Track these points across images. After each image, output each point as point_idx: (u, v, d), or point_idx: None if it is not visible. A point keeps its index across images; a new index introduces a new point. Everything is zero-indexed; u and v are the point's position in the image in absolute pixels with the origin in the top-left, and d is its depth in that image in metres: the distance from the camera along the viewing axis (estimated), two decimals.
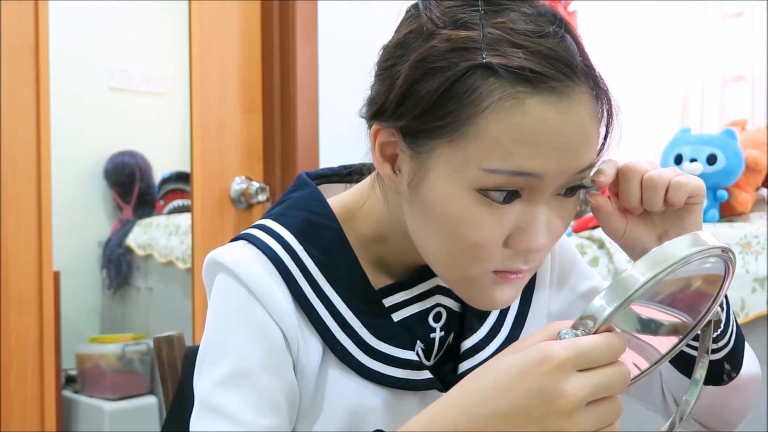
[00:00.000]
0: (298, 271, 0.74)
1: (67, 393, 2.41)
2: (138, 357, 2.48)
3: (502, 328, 0.82)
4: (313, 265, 0.75)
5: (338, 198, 0.80)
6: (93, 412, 2.39)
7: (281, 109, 1.97)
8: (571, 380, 0.55)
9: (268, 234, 0.75)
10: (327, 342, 0.74)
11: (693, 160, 1.58)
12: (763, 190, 1.73)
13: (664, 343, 0.73)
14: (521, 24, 0.66)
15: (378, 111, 0.70)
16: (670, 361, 0.75)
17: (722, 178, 1.58)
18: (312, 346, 0.74)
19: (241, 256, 0.74)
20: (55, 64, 1.71)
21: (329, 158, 1.95)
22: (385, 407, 0.75)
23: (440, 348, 0.80)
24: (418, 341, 0.78)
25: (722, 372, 0.81)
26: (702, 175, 1.57)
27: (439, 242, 0.69)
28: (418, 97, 0.66)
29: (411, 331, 0.78)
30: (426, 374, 0.77)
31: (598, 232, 1.61)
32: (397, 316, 0.77)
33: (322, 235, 0.76)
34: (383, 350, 0.75)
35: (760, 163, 1.63)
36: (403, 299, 0.78)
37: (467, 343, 0.80)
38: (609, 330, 0.59)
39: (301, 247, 0.75)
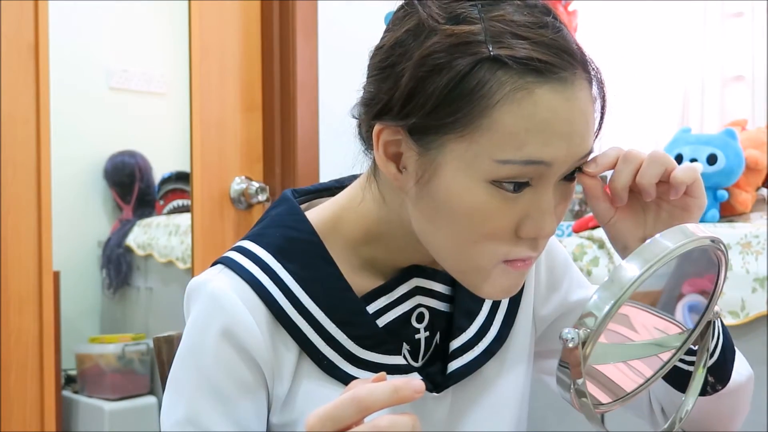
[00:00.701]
0: (278, 290, 0.74)
1: (66, 393, 2.42)
2: (138, 357, 2.48)
3: (491, 328, 0.83)
4: (293, 281, 0.74)
5: (324, 206, 0.80)
6: (93, 412, 2.38)
7: (281, 109, 1.97)
8: None
9: (245, 256, 0.75)
10: (313, 358, 0.74)
11: (693, 160, 1.57)
12: (764, 190, 1.73)
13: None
14: (519, 16, 0.66)
15: (382, 110, 0.70)
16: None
17: (722, 178, 1.58)
18: (287, 365, 0.75)
19: (219, 284, 0.74)
20: (55, 64, 1.71)
21: (329, 158, 1.95)
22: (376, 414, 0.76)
23: (427, 348, 0.80)
24: (404, 344, 0.79)
25: (706, 384, 0.80)
26: (702, 175, 1.56)
27: (451, 236, 0.69)
28: (426, 95, 0.66)
29: (396, 335, 0.78)
30: (415, 377, 0.76)
31: (598, 232, 1.61)
32: (381, 321, 0.77)
33: (301, 251, 0.76)
34: (371, 359, 0.76)
35: (761, 163, 1.63)
36: (385, 303, 0.78)
37: (456, 343, 0.80)
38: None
39: (279, 266, 0.75)
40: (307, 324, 0.74)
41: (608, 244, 1.57)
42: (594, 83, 0.70)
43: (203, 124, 1.90)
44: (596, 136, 0.72)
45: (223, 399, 0.73)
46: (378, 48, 0.72)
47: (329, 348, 0.75)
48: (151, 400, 2.47)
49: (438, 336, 0.81)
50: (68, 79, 2.25)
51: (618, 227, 0.76)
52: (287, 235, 0.77)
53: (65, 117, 2.09)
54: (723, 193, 1.59)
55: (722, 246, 0.65)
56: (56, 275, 1.77)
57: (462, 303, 0.81)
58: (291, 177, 1.94)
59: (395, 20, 0.72)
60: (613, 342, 0.66)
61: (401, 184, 0.71)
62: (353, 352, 0.75)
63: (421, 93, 0.66)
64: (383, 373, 0.60)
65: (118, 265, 2.55)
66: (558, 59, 0.65)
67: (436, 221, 0.70)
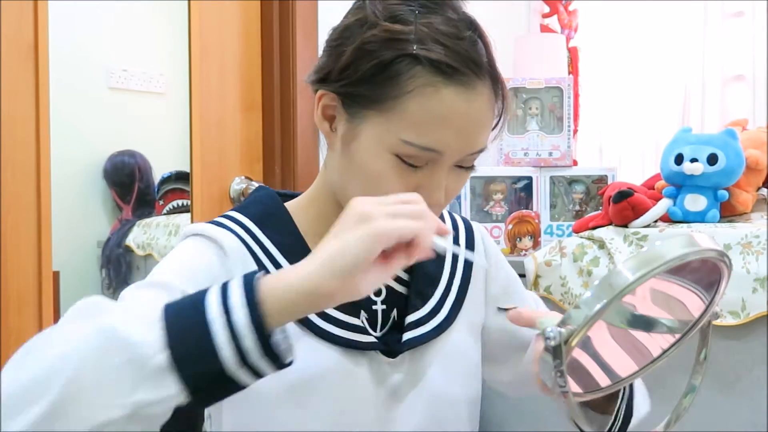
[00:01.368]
0: (257, 246, 0.88)
1: None
2: None
3: (443, 309, 0.97)
4: (270, 243, 0.89)
5: (293, 200, 0.97)
6: None
7: (281, 109, 1.96)
8: (369, 204, 0.69)
9: (231, 220, 0.91)
10: None
11: (693, 160, 1.57)
12: (764, 190, 1.73)
13: (659, 342, 0.73)
14: (444, 26, 0.82)
15: (323, 78, 0.87)
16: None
17: (723, 178, 1.57)
18: None
19: (210, 226, 0.89)
20: (54, 64, 1.71)
21: None
22: (336, 360, 0.88)
23: (385, 321, 0.94)
24: (362, 311, 0.92)
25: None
26: (702, 175, 1.57)
27: (359, 190, 0.83)
28: (357, 72, 0.82)
29: (355, 303, 0.81)
30: (370, 338, 0.90)
31: (599, 232, 1.61)
32: None
33: (277, 223, 0.91)
34: (331, 314, 0.89)
35: (761, 163, 1.63)
36: None
37: (411, 317, 0.95)
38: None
39: (259, 230, 0.90)
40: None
41: (608, 244, 1.57)
42: (498, 94, 0.85)
43: (203, 124, 1.90)
44: (492, 136, 0.88)
45: (193, 276, 0.82)
46: (333, 29, 0.88)
47: None
48: None
49: (395, 312, 0.95)
50: (68, 79, 2.24)
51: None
52: (266, 210, 0.93)
53: (65, 117, 2.09)
54: (723, 193, 1.59)
55: (727, 259, 0.66)
56: (56, 275, 1.77)
57: (417, 286, 0.97)
58: (291, 177, 1.94)
59: (352, 10, 0.88)
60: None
61: (331, 141, 0.89)
62: None
63: (352, 70, 0.83)
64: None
65: (118, 265, 2.55)
66: (464, 67, 0.80)
67: (350, 176, 0.86)
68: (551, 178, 2.02)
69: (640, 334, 0.75)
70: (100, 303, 0.70)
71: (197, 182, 1.89)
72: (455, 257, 1.02)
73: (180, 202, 2.52)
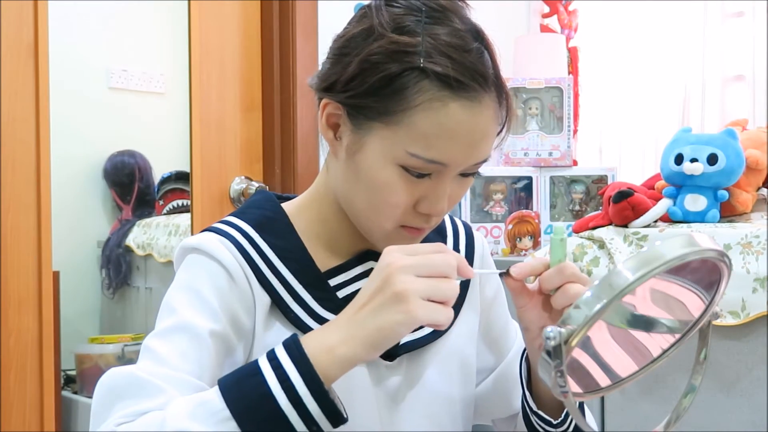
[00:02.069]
0: (255, 253, 0.88)
1: (66, 393, 2.41)
2: (137, 357, 2.48)
3: None
4: (269, 248, 0.89)
5: (292, 201, 0.97)
6: None
7: (281, 109, 1.97)
8: (408, 279, 0.73)
9: (229, 226, 0.90)
10: (282, 310, 0.88)
11: (694, 160, 1.57)
12: (764, 190, 1.73)
13: (659, 342, 0.74)
14: (451, 38, 0.81)
15: (329, 87, 0.86)
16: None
17: (723, 178, 1.57)
18: (260, 305, 0.87)
19: (208, 239, 0.88)
20: (54, 64, 1.71)
21: None
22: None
23: None
24: None
25: None
26: (702, 175, 1.57)
27: (364, 199, 0.86)
28: (363, 84, 0.82)
29: None
30: None
31: (599, 233, 1.61)
32: (341, 293, 0.91)
33: (275, 226, 0.91)
34: (330, 319, 0.86)
35: (761, 163, 1.63)
36: (344, 279, 0.92)
37: None
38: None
39: (257, 235, 0.89)
40: (278, 282, 0.88)
41: (608, 244, 1.57)
42: (503, 105, 0.85)
43: (203, 124, 1.90)
44: (498, 145, 0.88)
45: (212, 311, 0.83)
46: (339, 37, 0.88)
47: (296, 304, 0.88)
48: None
49: None
50: (68, 78, 2.24)
51: (527, 314, 0.85)
52: (264, 215, 0.92)
53: (65, 117, 2.09)
54: (723, 193, 1.59)
55: (727, 259, 0.66)
56: (56, 275, 1.77)
57: None
58: (291, 177, 1.94)
59: (357, 17, 0.87)
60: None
61: (335, 149, 0.88)
62: (316, 310, 0.89)
63: (359, 81, 0.82)
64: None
65: (118, 265, 2.55)
66: (472, 81, 0.80)
67: (355, 186, 0.86)
68: (551, 178, 2.02)
69: (640, 334, 0.75)
70: (166, 421, 0.73)
71: (197, 182, 1.90)
72: None
73: (180, 202, 2.52)
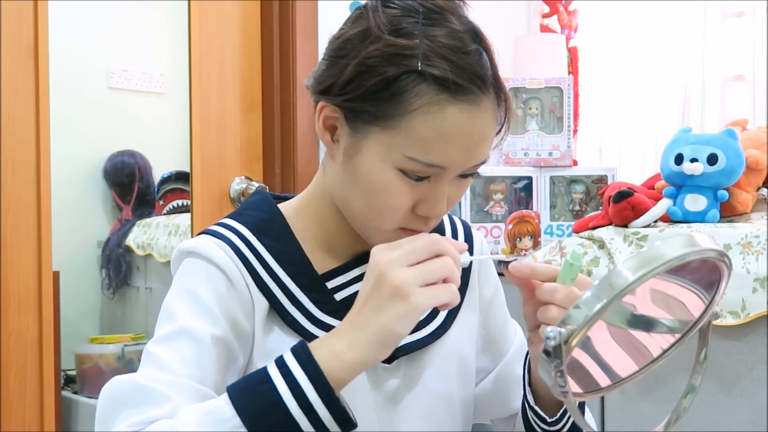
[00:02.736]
0: (253, 256, 0.87)
1: (66, 393, 2.41)
2: (137, 357, 2.46)
3: (439, 314, 0.97)
4: (265, 251, 0.88)
5: (290, 201, 0.96)
6: (92, 413, 2.37)
7: (281, 109, 1.97)
8: (399, 271, 0.74)
9: (226, 228, 0.90)
10: (280, 314, 0.87)
11: (694, 160, 1.57)
12: (764, 190, 1.73)
13: (659, 342, 0.74)
14: (449, 39, 0.80)
15: (325, 90, 0.84)
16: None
17: (723, 178, 1.57)
18: (259, 309, 0.87)
19: (205, 242, 0.87)
20: (54, 64, 1.71)
21: None
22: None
23: None
24: None
25: None
26: (702, 175, 1.57)
27: (362, 202, 0.85)
28: (360, 88, 0.81)
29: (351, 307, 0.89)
30: None
31: (599, 233, 1.61)
32: (339, 296, 0.91)
33: (272, 229, 0.91)
34: (328, 322, 0.88)
35: (761, 163, 1.63)
36: (342, 281, 0.92)
37: None
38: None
39: (254, 237, 0.89)
40: (276, 285, 0.87)
41: (608, 244, 1.57)
42: (501, 106, 0.84)
43: (203, 124, 1.90)
44: (496, 145, 0.87)
45: (212, 315, 0.83)
46: (335, 38, 0.86)
47: (293, 307, 0.88)
48: None
49: None
50: (68, 78, 2.24)
51: (526, 306, 0.86)
52: (261, 216, 0.92)
53: (65, 117, 2.09)
54: (723, 193, 1.59)
55: (727, 259, 0.66)
56: (56, 275, 1.77)
57: None
58: (291, 177, 1.94)
59: (353, 18, 0.86)
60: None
61: (332, 152, 0.88)
62: (313, 313, 0.88)
63: (356, 85, 0.81)
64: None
65: (118, 265, 2.55)
66: (470, 83, 0.79)
67: (353, 189, 0.86)
68: (551, 178, 2.02)
69: (640, 334, 0.75)
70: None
71: (197, 182, 1.90)
72: None
73: (180, 202, 2.52)
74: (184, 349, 0.81)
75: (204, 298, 0.84)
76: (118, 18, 2.52)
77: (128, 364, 2.46)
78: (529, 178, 2.01)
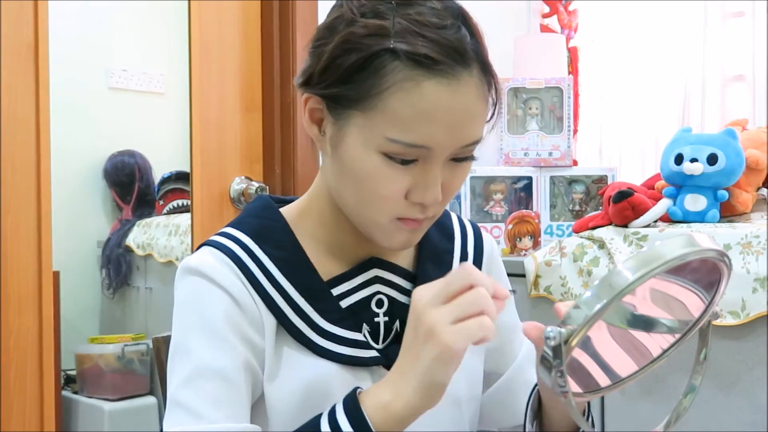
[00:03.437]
0: (255, 266, 0.86)
1: (66, 393, 2.41)
2: (137, 357, 2.48)
3: None
4: (268, 260, 0.87)
5: (292, 204, 0.94)
6: (92, 412, 2.38)
7: (281, 109, 1.96)
8: (433, 311, 0.71)
9: (227, 238, 0.88)
10: (283, 324, 0.85)
11: (693, 160, 1.57)
12: (764, 190, 1.73)
13: (659, 342, 0.74)
14: (427, 17, 0.78)
15: (307, 81, 0.83)
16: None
17: (723, 178, 1.57)
18: (268, 325, 0.85)
19: (205, 258, 0.86)
20: (54, 64, 1.71)
21: None
22: (340, 377, 0.87)
23: (387, 333, 0.92)
24: (365, 324, 0.90)
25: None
26: (702, 175, 1.57)
27: (354, 194, 0.83)
28: (336, 71, 0.79)
29: (357, 316, 0.89)
30: (372, 353, 0.88)
31: (598, 232, 1.61)
32: (344, 303, 0.89)
33: (275, 236, 0.89)
34: (333, 331, 0.87)
35: (761, 163, 1.63)
36: (348, 288, 0.90)
37: None
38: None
39: (256, 246, 0.87)
40: (279, 296, 0.86)
41: (608, 244, 1.57)
42: (488, 82, 0.81)
43: (203, 124, 1.90)
44: (490, 126, 0.84)
45: (229, 343, 0.82)
46: (317, 29, 0.85)
47: (298, 318, 0.86)
48: (150, 400, 2.47)
49: (398, 323, 0.92)
50: (68, 78, 2.24)
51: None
52: (263, 223, 0.90)
53: (65, 117, 2.09)
54: (723, 193, 1.59)
55: (727, 259, 0.66)
56: (56, 275, 1.77)
57: None
58: (291, 177, 1.94)
59: (333, 8, 0.85)
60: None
61: (322, 145, 0.85)
62: (318, 323, 0.86)
63: (332, 69, 0.80)
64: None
65: (118, 265, 2.55)
66: (447, 57, 0.76)
67: (343, 181, 0.83)
68: (551, 178, 2.02)
69: (640, 334, 0.75)
70: None
71: (197, 182, 1.89)
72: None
73: (180, 202, 2.52)
74: (211, 389, 0.79)
75: (217, 327, 0.82)
76: (118, 18, 2.52)
77: (128, 364, 2.46)
78: (529, 178, 2.01)
